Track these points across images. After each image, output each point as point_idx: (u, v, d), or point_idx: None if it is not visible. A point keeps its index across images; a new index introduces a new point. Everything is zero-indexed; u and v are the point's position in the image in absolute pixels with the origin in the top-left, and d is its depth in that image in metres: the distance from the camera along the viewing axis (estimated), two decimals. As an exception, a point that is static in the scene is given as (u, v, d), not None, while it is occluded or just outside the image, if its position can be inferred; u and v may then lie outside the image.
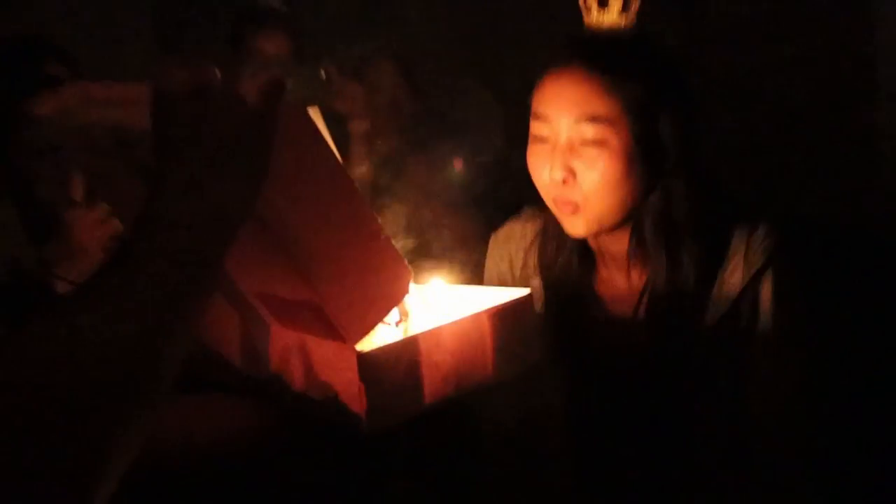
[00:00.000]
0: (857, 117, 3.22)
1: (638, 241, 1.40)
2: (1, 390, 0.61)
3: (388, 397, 0.95)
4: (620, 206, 1.35)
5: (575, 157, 1.33)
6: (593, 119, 1.31)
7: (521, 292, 1.09)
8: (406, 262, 0.94)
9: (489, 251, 1.61)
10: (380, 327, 1.06)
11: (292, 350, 1.00)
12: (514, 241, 1.57)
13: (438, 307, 1.10)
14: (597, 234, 1.42)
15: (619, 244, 1.43)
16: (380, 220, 0.92)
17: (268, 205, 0.83)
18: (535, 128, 1.38)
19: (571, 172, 1.33)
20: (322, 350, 0.97)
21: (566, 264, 1.48)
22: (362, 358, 0.92)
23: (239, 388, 1.07)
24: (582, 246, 1.47)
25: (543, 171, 1.36)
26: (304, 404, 0.99)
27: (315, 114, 0.91)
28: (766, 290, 1.37)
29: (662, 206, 1.37)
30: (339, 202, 0.89)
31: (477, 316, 1.04)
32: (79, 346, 0.65)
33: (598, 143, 1.31)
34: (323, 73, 2.08)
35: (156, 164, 0.78)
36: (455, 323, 1.02)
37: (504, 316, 1.06)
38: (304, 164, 0.86)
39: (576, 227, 1.37)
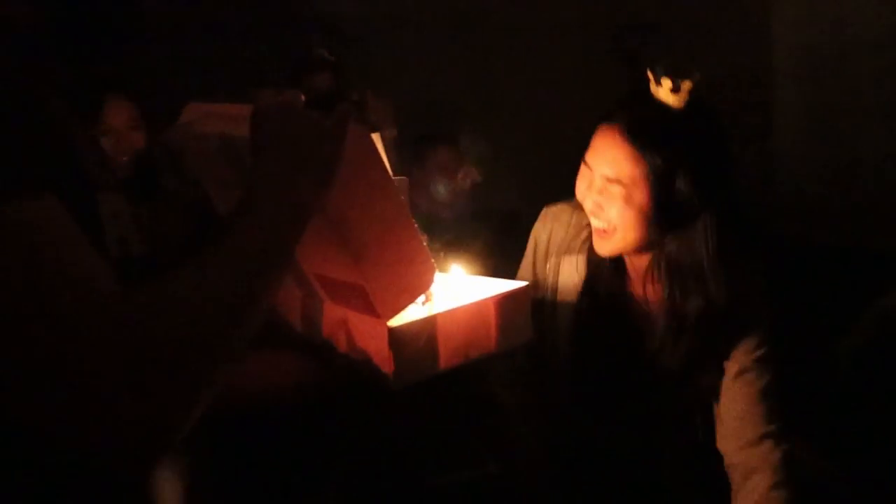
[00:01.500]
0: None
1: (655, 268, 1.71)
2: (135, 330, 0.82)
3: (411, 362, 1.24)
4: (638, 241, 1.66)
5: (604, 198, 1.64)
6: (617, 181, 1.61)
7: (521, 284, 1.36)
8: (432, 259, 1.23)
9: (540, 219, 1.92)
10: (409, 306, 1.35)
11: (339, 322, 1.30)
12: (560, 222, 1.86)
13: (456, 292, 1.38)
14: (620, 255, 1.73)
15: (642, 264, 1.74)
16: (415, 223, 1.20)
17: (331, 203, 1.08)
18: (583, 164, 1.69)
19: (600, 207, 1.65)
20: (361, 323, 1.26)
21: (606, 267, 1.78)
22: (391, 331, 1.21)
23: (301, 348, 1.37)
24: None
25: (584, 198, 1.68)
26: (347, 364, 1.29)
27: (376, 138, 1.17)
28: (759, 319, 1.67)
29: (676, 247, 1.66)
30: (386, 206, 1.14)
31: (485, 301, 1.32)
32: (192, 303, 0.86)
33: (621, 196, 1.61)
34: (359, 94, 2.58)
35: (251, 165, 1.02)
36: (467, 306, 1.30)
37: (506, 302, 1.33)
38: (362, 174, 1.11)
39: (601, 248, 1.70)
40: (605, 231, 1.66)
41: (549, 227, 1.86)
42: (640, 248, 1.69)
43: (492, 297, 1.32)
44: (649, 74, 1.64)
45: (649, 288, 1.74)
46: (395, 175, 2.67)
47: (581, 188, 1.69)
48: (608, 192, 1.63)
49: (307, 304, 1.36)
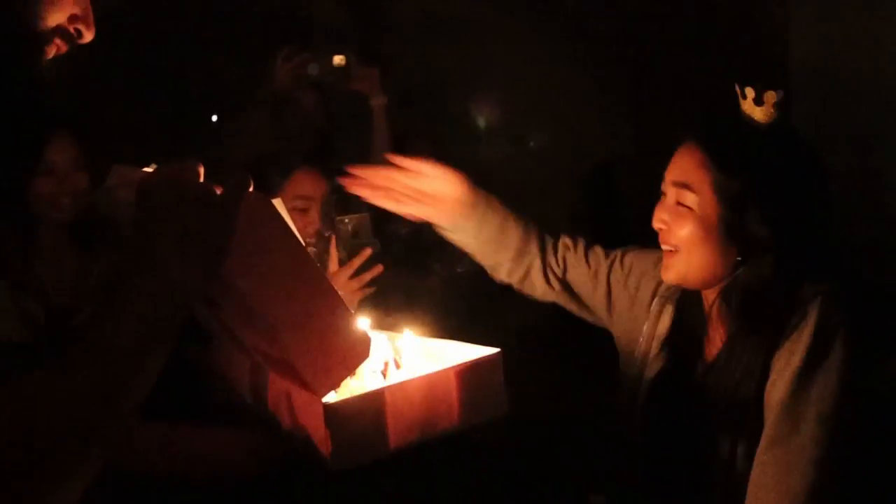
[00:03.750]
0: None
1: (721, 305, 1.54)
2: (9, 419, 0.76)
3: (353, 442, 1.11)
4: (702, 267, 1.51)
5: (673, 216, 1.52)
6: (685, 186, 1.50)
7: (490, 351, 1.21)
8: (365, 330, 1.09)
9: (637, 255, 1.76)
10: (365, 373, 1.22)
11: (282, 395, 1.18)
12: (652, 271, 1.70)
13: (416, 360, 1.25)
14: (688, 286, 1.57)
15: (713, 300, 1.56)
16: (340, 296, 1.07)
17: (238, 280, 0.98)
18: (662, 185, 1.58)
19: (665, 223, 1.53)
20: (301, 398, 1.14)
21: (689, 315, 1.62)
22: (327, 408, 1.09)
23: (248, 418, 1.26)
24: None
25: (656, 222, 1.56)
26: (289, 440, 1.17)
27: (279, 204, 1.07)
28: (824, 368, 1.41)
29: (744, 283, 1.49)
30: (300, 279, 1.03)
31: (444, 372, 1.18)
32: (63, 398, 0.80)
33: (688, 207, 1.50)
34: (342, 61, 2.42)
35: (130, 243, 0.92)
36: (422, 378, 1.16)
37: (470, 372, 1.19)
38: (267, 246, 1.00)
39: (666, 272, 1.56)
40: (670, 252, 1.53)
41: (640, 274, 1.73)
42: (710, 280, 1.53)
43: (452, 368, 1.18)
44: (737, 88, 1.54)
45: (720, 329, 1.56)
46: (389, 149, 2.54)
47: (655, 215, 1.58)
48: (677, 212, 1.52)
49: (254, 373, 1.25)
